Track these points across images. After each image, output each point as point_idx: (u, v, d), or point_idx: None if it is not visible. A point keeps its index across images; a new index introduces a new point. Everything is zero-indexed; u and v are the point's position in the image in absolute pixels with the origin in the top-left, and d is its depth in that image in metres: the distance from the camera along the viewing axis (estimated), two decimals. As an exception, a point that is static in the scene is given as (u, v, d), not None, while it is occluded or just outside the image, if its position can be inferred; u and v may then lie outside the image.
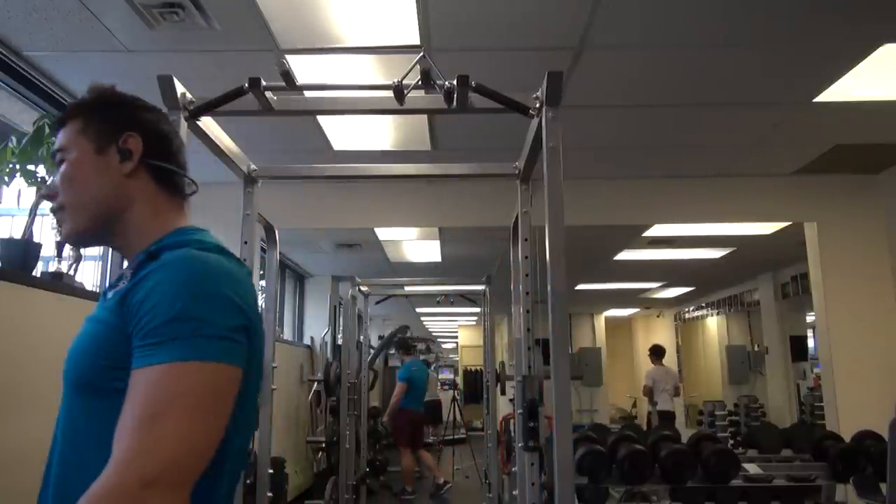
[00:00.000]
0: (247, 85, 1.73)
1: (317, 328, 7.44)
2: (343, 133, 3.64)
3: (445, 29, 2.53)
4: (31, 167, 2.39)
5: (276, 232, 2.60)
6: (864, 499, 3.13)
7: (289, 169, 3.54)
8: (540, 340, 2.08)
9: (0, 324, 2.21)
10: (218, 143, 1.97)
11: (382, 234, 5.54)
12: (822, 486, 3.09)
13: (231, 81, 1.77)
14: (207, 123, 1.87)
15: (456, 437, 9.83)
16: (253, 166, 2.31)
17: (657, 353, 8.71)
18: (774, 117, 3.43)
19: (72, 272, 2.61)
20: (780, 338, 7.77)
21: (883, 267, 4.29)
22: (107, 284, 1.02)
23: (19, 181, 2.43)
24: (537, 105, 1.70)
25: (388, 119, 3.46)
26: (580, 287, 8.57)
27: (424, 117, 3.40)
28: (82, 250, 2.67)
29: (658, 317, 12.47)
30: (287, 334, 7.12)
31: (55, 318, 2.38)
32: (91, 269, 3.41)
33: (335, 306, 7.42)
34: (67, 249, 2.56)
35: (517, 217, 2.29)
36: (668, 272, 7.75)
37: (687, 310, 11.25)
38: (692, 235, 5.50)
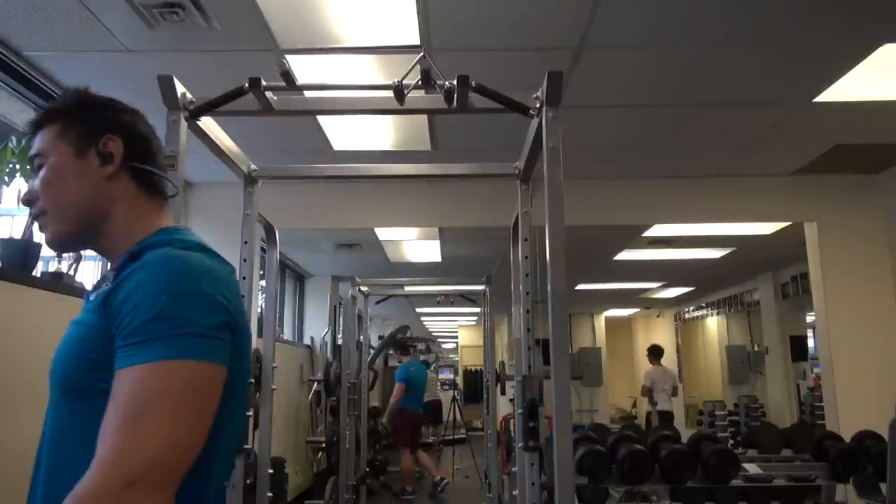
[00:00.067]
0: (247, 85, 1.73)
1: (317, 328, 7.45)
2: (343, 133, 3.64)
3: (445, 29, 2.53)
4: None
5: (276, 232, 2.60)
6: (864, 499, 3.13)
7: (289, 169, 3.55)
8: (540, 340, 2.08)
9: (0, 323, 2.21)
10: (218, 143, 1.97)
11: (382, 234, 5.54)
12: (822, 486, 3.09)
13: (231, 81, 1.77)
14: (207, 123, 1.87)
15: (456, 437, 9.83)
16: (253, 166, 2.31)
17: (655, 353, 8.72)
18: (774, 117, 3.43)
19: (72, 272, 2.62)
20: (780, 338, 7.78)
21: (883, 267, 4.29)
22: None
23: (19, 181, 2.43)
24: (537, 105, 1.70)
25: (388, 119, 3.46)
26: (580, 287, 8.57)
27: (424, 117, 3.40)
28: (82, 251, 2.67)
29: (658, 317, 12.47)
30: (287, 334, 7.12)
31: (55, 318, 2.38)
32: (91, 270, 3.42)
33: (335, 306, 7.42)
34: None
35: (517, 217, 2.29)
36: (668, 272, 7.75)
37: (687, 310, 11.25)
38: (692, 235, 5.50)
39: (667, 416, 8.19)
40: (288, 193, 4.35)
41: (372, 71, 2.86)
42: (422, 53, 1.68)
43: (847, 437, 3.26)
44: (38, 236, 2.49)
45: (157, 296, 0.82)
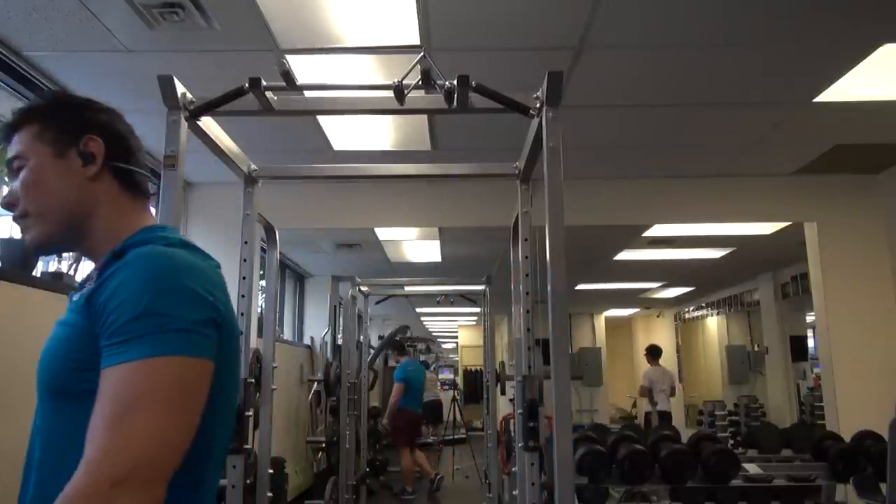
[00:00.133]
0: (247, 85, 1.73)
1: (317, 328, 7.44)
2: (343, 133, 3.64)
3: (445, 29, 2.53)
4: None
5: (276, 232, 2.60)
6: (864, 499, 3.13)
7: (289, 169, 3.55)
8: (540, 340, 2.08)
9: (0, 323, 2.21)
10: (218, 143, 1.97)
11: (382, 234, 5.54)
12: (822, 486, 3.09)
13: (231, 81, 1.77)
14: (207, 123, 1.87)
15: (456, 437, 9.83)
16: (253, 166, 2.31)
17: (653, 353, 8.74)
18: (774, 117, 3.43)
19: (72, 272, 2.62)
20: (780, 338, 7.77)
21: (883, 267, 4.29)
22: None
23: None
24: (537, 105, 1.70)
25: (388, 119, 3.46)
26: (580, 287, 8.57)
27: (424, 117, 3.40)
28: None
29: (658, 317, 12.47)
30: (287, 334, 7.13)
31: (55, 318, 2.38)
32: (91, 269, 3.41)
33: (335, 306, 7.41)
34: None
35: (517, 217, 2.29)
36: (668, 272, 7.75)
37: (687, 310, 11.25)
38: (692, 235, 5.50)
39: (665, 417, 8.20)
40: (288, 193, 4.35)
41: (372, 71, 2.86)
42: (422, 53, 1.68)
43: (847, 437, 3.26)
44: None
45: (141, 293, 0.82)
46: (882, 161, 4.16)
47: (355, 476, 5.12)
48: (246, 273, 2.23)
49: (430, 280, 7.02)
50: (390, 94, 1.72)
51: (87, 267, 3.26)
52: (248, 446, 2.20)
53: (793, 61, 2.80)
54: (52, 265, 2.59)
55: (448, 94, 1.72)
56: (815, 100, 3.15)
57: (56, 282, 2.52)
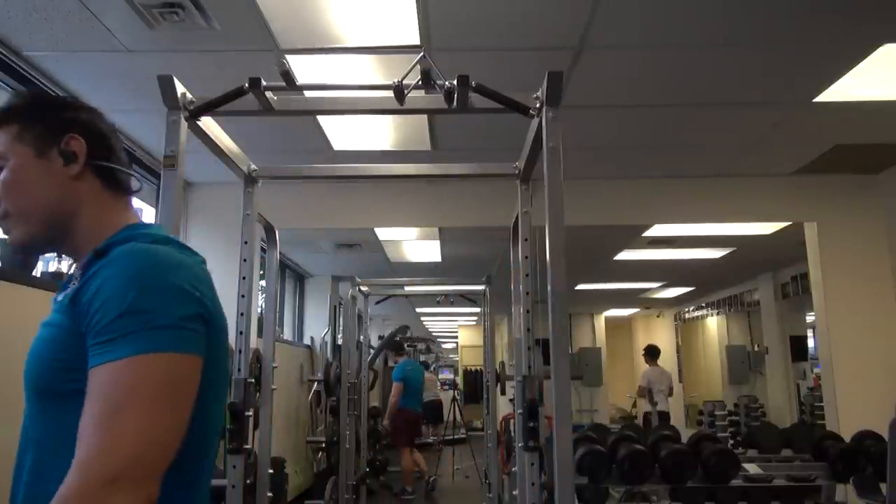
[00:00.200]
0: (247, 85, 1.73)
1: (317, 328, 7.44)
2: (343, 133, 3.64)
3: (445, 29, 2.53)
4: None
5: (276, 232, 2.60)
6: (864, 499, 3.13)
7: (289, 169, 3.54)
8: (540, 340, 2.08)
9: (0, 323, 2.21)
10: (218, 143, 1.97)
11: (382, 234, 5.54)
12: (822, 486, 3.09)
13: (231, 81, 1.77)
14: (207, 123, 1.87)
15: (456, 437, 9.83)
16: (253, 166, 2.31)
17: (652, 353, 8.75)
18: (774, 117, 3.43)
19: (72, 272, 2.61)
20: (780, 338, 7.77)
21: (883, 267, 4.29)
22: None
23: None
24: (537, 105, 1.70)
25: (388, 119, 3.46)
26: (580, 287, 8.57)
27: (424, 117, 3.40)
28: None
29: (658, 317, 12.47)
30: (287, 334, 7.12)
31: (55, 318, 2.38)
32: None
33: (335, 306, 7.41)
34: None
35: (517, 217, 2.29)
36: (668, 272, 7.75)
37: (687, 310, 11.25)
38: (692, 235, 5.50)
39: (664, 417, 8.21)
40: (288, 193, 4.35)
41: (372, 71, 2.86)
42: (422, 53, 1.68)
43: (847, 437, 3.26)
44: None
45: (126, 291, 0.81)
46: (882, 161, 4.16)
47: (355, 476, 5.11)
48: (246, 273, 2.23)
49: (430, 280, 7.01)
50: (390, 94, 1.72)
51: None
52: (248, 446, 2.20)
53: (793, 61, 2.80)
54: (52, 265, 2.59)
55: (448, 94, 1.72)
56: (815, 100, 3.15)
57: (56, 282, 2.52)
